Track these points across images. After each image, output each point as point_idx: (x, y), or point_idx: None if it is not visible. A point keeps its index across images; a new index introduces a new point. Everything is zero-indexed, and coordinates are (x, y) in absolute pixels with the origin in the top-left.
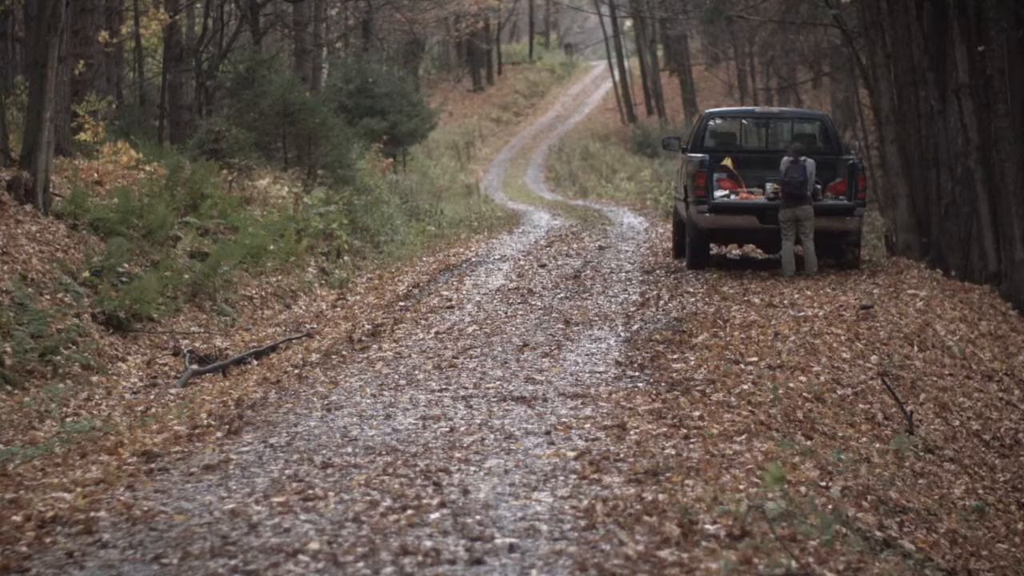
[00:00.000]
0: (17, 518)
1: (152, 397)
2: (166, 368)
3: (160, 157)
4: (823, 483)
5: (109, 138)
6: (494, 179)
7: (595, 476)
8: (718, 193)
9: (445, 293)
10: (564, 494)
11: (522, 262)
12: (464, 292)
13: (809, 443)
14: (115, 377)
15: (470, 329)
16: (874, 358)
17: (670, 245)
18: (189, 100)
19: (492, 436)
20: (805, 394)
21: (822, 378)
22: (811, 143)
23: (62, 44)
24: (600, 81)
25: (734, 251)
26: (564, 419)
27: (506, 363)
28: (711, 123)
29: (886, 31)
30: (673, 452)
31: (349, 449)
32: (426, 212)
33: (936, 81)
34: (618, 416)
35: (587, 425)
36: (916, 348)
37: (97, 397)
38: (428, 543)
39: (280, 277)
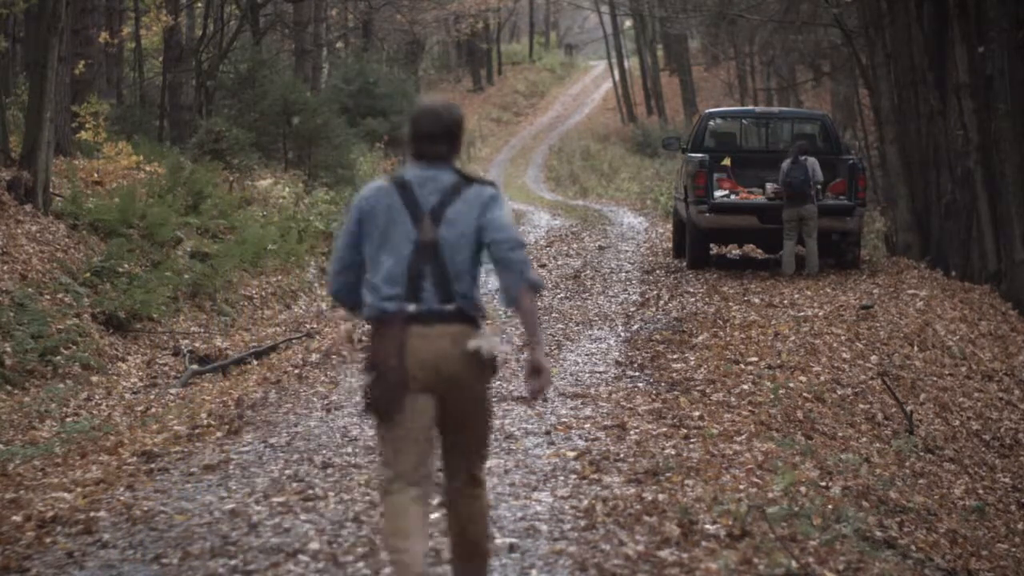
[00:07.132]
0: (17, 518)
1: (152, 397)
2: (166, 368)
3: (160, 157)
4: (823, 483)
5: (110, 138)
6: (494, 179)
7: (595, 476)
8: (718, 193)
9: None
10: (564, 494)
11: None
12: None
13: (809, 443)
14: (115, 377)
15: None
16: (874, 358)
17: (670, 245)
18: (189, 100)
19: (492, 436)
20: (805, 394)
21: (822, 378)
22: (811, 143)
23: (62, 44)
24: (600, 81)
25: (734, 251)
26: (564, 419)
27: (506, 363)
28: (711, 123)
29: (886, 31)
30: (673, 452)
31: (349, 449)
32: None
33: (936, 81)
34: (618, 416)
35: (587, 425)
36: (916, 348)
37: (97, 397)
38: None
39: (280, 277)
